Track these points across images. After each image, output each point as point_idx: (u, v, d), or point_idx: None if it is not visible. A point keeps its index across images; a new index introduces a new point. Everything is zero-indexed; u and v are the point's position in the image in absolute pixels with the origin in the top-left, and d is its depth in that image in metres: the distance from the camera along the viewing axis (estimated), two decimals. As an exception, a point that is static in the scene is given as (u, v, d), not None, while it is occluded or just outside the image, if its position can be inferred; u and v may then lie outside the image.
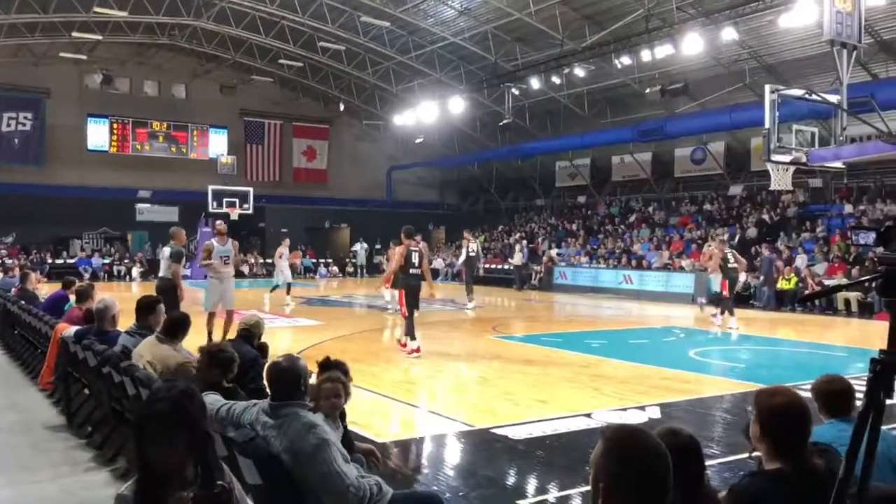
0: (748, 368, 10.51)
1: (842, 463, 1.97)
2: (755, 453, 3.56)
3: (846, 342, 13.97)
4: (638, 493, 1.68)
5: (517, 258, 26.80)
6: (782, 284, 19.64)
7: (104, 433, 5.93)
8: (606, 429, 1.78)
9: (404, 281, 10.78)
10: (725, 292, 14.81)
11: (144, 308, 5.90)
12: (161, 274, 10.20)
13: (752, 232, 24.51)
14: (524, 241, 29.37)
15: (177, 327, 5.47)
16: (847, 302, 17.94)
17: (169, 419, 2.16)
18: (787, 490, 2.55)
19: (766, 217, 25.08)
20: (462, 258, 19.88)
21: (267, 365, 3.55)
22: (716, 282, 15.93)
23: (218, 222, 12.06)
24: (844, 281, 16.95)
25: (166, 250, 10.27)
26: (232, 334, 8.26)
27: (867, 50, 19.04)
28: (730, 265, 15.00)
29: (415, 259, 10.71)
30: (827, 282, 18.96)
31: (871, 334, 15.04)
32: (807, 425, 2.69)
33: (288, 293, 18.93)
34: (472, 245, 20.37)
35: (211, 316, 10.90)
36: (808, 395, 3.10)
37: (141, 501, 2.11)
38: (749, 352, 12.60)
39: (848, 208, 23.38)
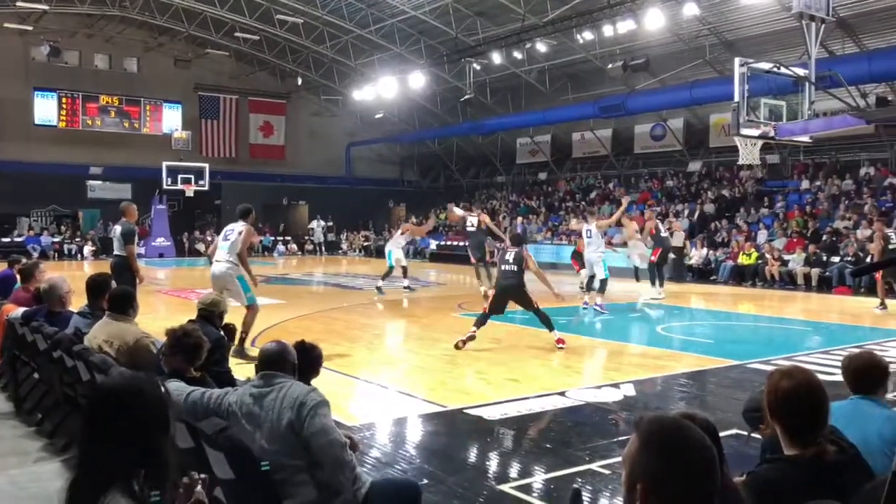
0: (717, 344, 10.50)
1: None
2: (755, 434, 3.43)
3: (807, 316, 14.11)
4: (684, 492, 1.47)
5: (679, 238, 19.23)
6: (742, 260, 19.82)
7: (55, 420, 5.59)
8: (641, 421, 1.57)
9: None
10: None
11: (95, 288, 5.53)
12: (115, 252, 9.74)
13: (710, 208, 24.70)
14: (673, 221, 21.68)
15: (124, 302, 5.13)
16: (807, 277, 18.17)
17: (120, 400, 1.89)
18: (804, 477, 2.40)
19: (725, 193, 25.31)
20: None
21: (259, 351, 3.43)
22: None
23: None
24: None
25: (117, 228, 9.83)
26: None
27: (824, 28, 19.20)
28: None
29: (508, 256, 9.52)
30: (786, 257, 19.19)
31: (830, 308, 15.28)
32: (819, 409, 2.53)
33: (405, 276, 16.78)
34: (472, 219, 16.34)
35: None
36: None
37: None
38: (715, 327, 12.62)
39: (805, 184, 23.71)
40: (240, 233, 8.78)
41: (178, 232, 32.19)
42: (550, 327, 9.37)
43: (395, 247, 16.76)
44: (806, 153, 24.46)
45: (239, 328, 7.63)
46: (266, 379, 3.21)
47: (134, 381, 1.99)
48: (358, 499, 3.14)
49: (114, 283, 5.93)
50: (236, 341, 8.04)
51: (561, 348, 9.25)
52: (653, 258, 15.12)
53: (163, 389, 1.99)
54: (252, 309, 8.70)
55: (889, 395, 4.92)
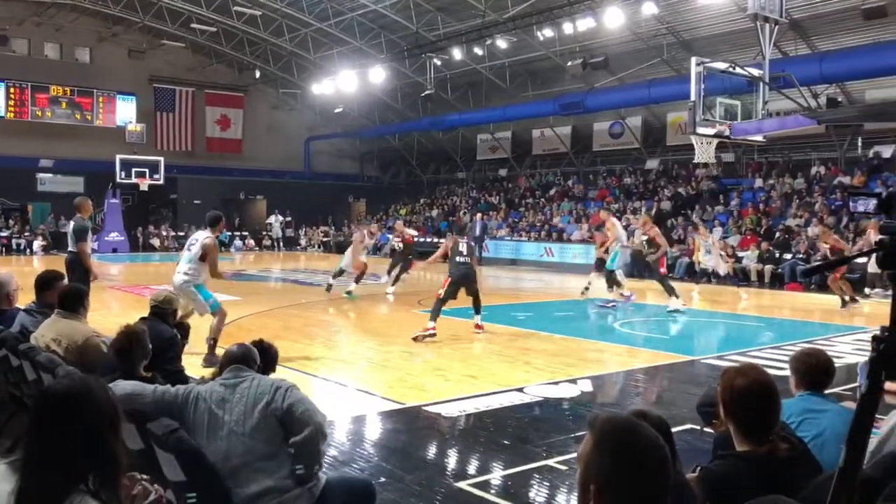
0: (672, 339, 10.65)
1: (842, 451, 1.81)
2: (707, 429, 3.48)
3: (760, 312, 14.37)
4: (636, 492, 1.47)
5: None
6: (698, 257, 20.10)
7: (0, 421, 5.41)
8: (595, 420, 1.56)
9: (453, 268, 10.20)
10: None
11: (43, 284, 5.36)
12: (70, 248, 9.47)
13: (667, 205, 25.05)
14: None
15: (74, 299, 4.98)
16: (760, 273, 18.53)
17: (69, 402, 1.88)
18: (757, 473, 2.43)
19: (681, 191, 25.69)
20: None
21: (224, 352, 3.50)
22: None
23: None
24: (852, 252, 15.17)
25: (70, 224, 9.56)
26: None
27: (778, 29, 19.59)
28: None
29: (462, 248, 10.18)
30: (740, 254, 19.55)
31: (782, 304, 15.61)
32: (772, 407, 2.57)
33: (335, 276, 15.70)
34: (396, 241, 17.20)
35: None
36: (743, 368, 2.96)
37: None
38: (671, 323, 12.77)
39: (758, 182, 24.18)
40: (203, 246, 8.12)
41: (133, 227, 31.58)
42: (479, 311, 10.27)
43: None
44: (760, 152, 24.93)
45: (209, 334, 7.54)
46: (236, 371, 3.28)
47: (84, 383, 1.97)
48: (314, 495, 3.12)
49: (66, 280, 5.77)
50: (207, 348, 7.88)
51: (477, 334, 10.17)
52: (663, 269, 13.70)
53: (111, 392, 1.96)
54: (219, 314, 8.19)
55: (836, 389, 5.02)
